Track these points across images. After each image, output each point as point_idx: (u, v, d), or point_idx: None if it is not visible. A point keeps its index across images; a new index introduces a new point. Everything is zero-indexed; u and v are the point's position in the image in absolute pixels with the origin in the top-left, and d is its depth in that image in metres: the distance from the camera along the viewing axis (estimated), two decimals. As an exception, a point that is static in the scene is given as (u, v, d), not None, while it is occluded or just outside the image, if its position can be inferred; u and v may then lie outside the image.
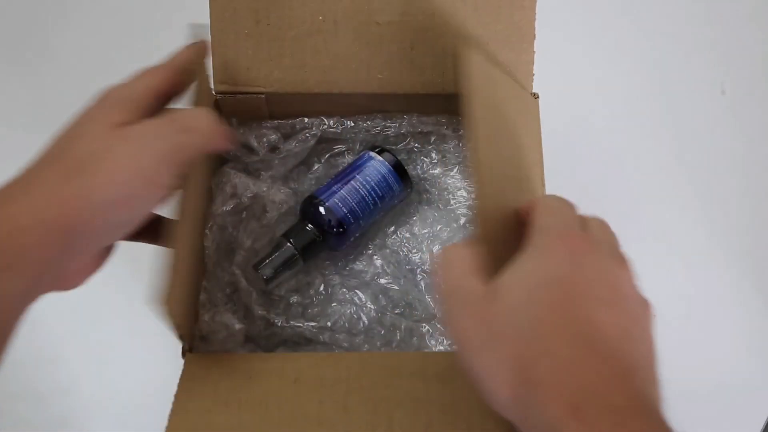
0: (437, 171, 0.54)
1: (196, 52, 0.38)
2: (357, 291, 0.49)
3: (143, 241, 0.38)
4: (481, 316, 0.28)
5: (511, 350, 0.26)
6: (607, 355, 0.25)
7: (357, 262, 0.51)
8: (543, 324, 0.26)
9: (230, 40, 0.43)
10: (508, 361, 0.26)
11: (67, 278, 0.34)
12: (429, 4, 0.42)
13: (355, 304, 0.47)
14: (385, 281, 0.50)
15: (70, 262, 0.32)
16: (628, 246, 0.31)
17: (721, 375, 0.59)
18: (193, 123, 0.34)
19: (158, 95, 0.35)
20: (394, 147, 0.53)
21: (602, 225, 0.32)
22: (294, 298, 0.48)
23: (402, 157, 0.53)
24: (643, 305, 0.28)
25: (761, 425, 0.65)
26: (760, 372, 0.67)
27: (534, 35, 0.44)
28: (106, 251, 0.36)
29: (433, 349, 0.46)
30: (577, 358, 0.25)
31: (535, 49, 0.45)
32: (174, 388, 0.39)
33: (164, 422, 0.37)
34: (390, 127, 0.51)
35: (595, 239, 0.30)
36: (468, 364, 0.28)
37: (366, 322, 0.46)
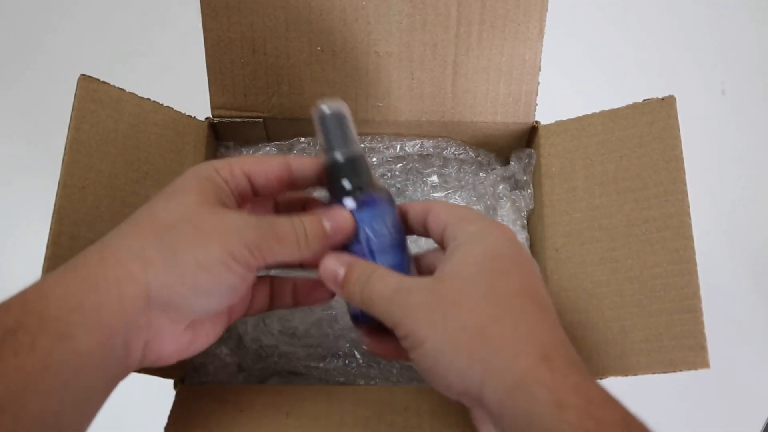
0: (439, 195, 0.53)
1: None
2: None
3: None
4: (434, 296, 0.29)
5: (468, 316, 0.28)
6: (554, 319, 0.29)
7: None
8: (498, 290, 0.28)
9: (226, 68, 0.42)
10: (467, 325, 0.28)
11: (162, 348, 0.31)
12: (431, 36, 0.41)
13: (350, 340, 0.46)
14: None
15: (160, 329, 0.30)
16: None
17: (721, 375, 0.59)
18: (290, 233, 0.31)
19: (255, 183, 0.33)
20: (393, 167, 0.52)
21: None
22: (290, 330, 0.47)
23: (401, 179, 0.52)
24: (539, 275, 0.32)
25: (761, 425, 0.65)
26: (760, 372, 0.67)
27: (539, 66, 0.43)
28: (201, 326, 0.33)
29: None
30: (536, 319, 0.28)
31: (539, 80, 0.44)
32: (164, 421, 0.38)
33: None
34: (389, 147, 0.50)
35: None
36: (424, 350, 0.28)
37: (360, 360, 0.45)
